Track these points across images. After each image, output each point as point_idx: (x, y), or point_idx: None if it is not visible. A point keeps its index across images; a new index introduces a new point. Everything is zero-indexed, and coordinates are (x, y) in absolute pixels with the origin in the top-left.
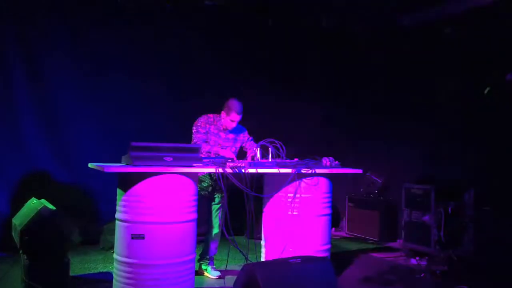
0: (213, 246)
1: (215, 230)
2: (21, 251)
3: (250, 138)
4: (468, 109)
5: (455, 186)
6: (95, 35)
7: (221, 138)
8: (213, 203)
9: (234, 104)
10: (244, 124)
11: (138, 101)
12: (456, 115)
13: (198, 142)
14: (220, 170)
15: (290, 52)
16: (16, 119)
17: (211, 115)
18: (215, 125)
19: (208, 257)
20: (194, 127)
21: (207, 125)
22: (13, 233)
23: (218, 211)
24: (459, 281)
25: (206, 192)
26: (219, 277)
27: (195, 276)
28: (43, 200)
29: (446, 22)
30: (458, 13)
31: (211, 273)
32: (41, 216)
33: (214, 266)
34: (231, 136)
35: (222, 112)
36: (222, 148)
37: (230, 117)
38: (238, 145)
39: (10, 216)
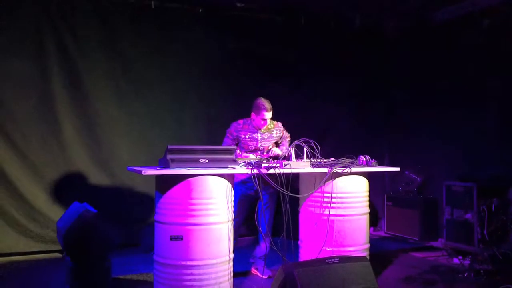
0: (263, 245)
1: (264, 229)
2: (64, 253)
3: (286, 136)
4: (508, 103)
5: (498, 182)
6: (129, 41)
7: (257, 140)
8: (261, 202)
9: (261, 102)
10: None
11: (171, 106)
12: (495, 110)
13: None
14: (255, 170)
15: (321, 51)
16: (58, 124)
17: (240, 121)
18: (248, 129)
19: (260, 256)
20: (226, 134)
21: (235, 133)
22: (57, 236)
23: (267, 210)
24: (505, 281)
25: (252, 192)
26: (269, 277)
27: (245, 276)
28: (85, 204)
29: (482, 14)
30: (495, 4)
31: (262, 273)
32: (83, 219)
33: (266, 266)
34: (266, 135)
35: (252, 113)
36: (257, 149)
37: (260, 116)
38: (273, 142)
39: (53, 218)
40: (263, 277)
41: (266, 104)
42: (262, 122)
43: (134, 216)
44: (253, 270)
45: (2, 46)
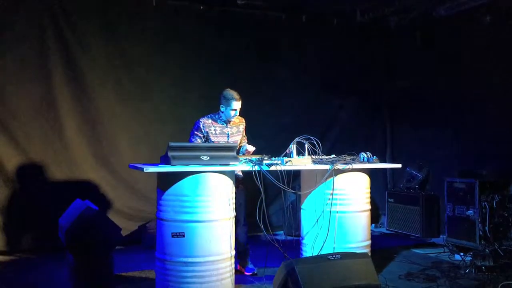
0: (242, 241)
1: (240, 224)
2: (67, 251)
3: (244, 137)
4: (509, 99)
5: (499, 179)
6: (131, 38)
7: (227, 135)
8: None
9: (230, 93)
10: (281, 122)
11: (173, 103)
12: (496, 105)
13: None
14: (257, 167)
15: (323, 48)
16: (59, 122)
17: (207, 117)
18: (217, 124)
19: (242, 252)
20: (193, 132)
21: (204, 129)
22: (59, 233)
23: (241, 205)
24: (506, 277)
25: None
26: (253, 273)
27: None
28: (87, 201)
29: (484, 10)
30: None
31: (246, 270)
32: (85, 216)
33: (250, 264)
34: (234, 129)
35: (221, 106)
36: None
37: (230, 107)
38: (239, 137)
39: (56, 216)
40: (247, 273)
41: (235, 94)
42: (232, 112)
43: (136, 213)
44: (239, 267)
45: (4, 44)
